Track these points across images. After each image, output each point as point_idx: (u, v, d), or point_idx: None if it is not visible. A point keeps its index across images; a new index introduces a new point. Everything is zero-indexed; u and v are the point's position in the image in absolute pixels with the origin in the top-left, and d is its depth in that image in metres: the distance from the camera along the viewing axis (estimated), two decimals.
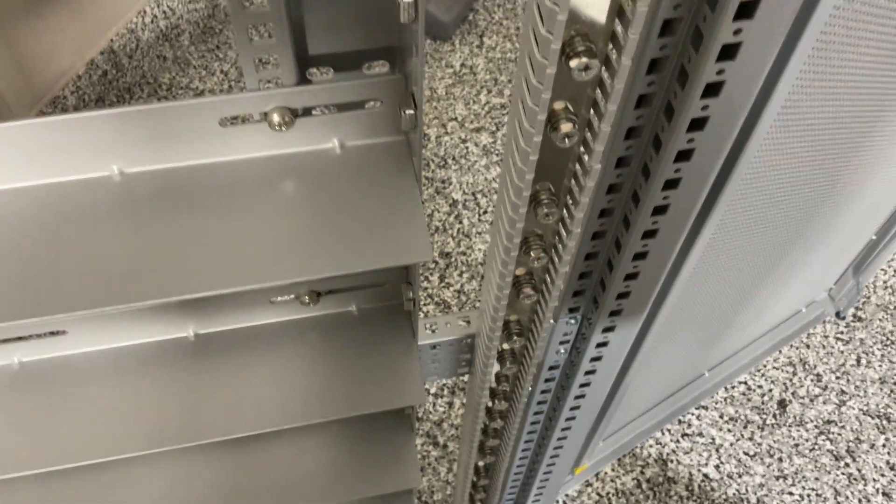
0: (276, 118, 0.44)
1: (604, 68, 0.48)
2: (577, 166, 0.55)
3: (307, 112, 0.45)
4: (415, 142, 0.46)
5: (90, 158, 0.44)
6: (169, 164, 0.46)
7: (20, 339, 0.58)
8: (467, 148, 1.76)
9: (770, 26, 0.44)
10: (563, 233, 0.60)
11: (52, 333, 0.57)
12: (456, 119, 1.81)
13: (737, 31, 0.43)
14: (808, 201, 0.96)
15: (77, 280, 0.43)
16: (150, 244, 0.44)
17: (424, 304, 1.53)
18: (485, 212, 1.68)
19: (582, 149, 0.53)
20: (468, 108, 1.81)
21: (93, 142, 0.43)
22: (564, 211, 0.59)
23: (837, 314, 1.42)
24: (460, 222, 1.68)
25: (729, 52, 0.45)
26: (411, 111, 0.43)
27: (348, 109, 0.46)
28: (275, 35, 0.41)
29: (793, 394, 1.42)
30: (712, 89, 0.48)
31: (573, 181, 0.56)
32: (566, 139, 0.50)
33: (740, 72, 0.46)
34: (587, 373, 0.85)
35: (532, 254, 0.62)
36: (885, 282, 1.55)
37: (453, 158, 1.74)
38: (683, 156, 0.53)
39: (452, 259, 1.61)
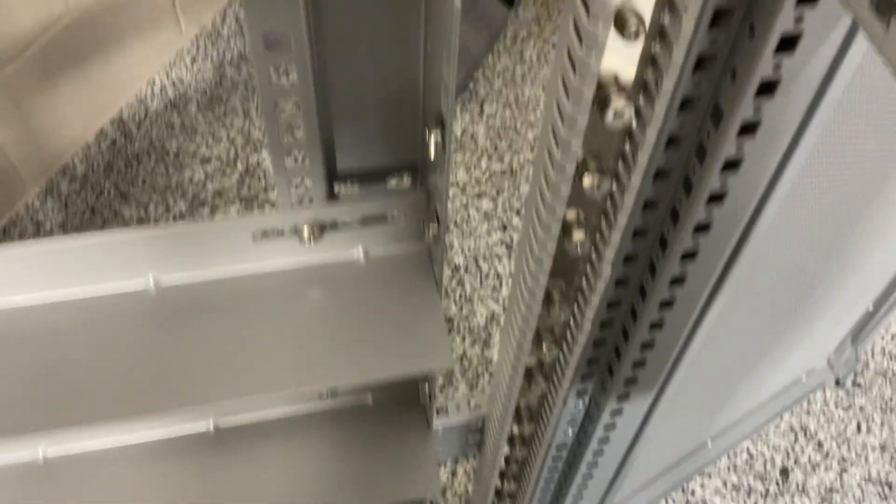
0: (306, 232, 0.46)
1: (615, 181, 0.50)
2: (588, 268, 0.57)
3: (335, 225, 0.47)
4: (437, 252, 0.48)
5: (127, 272, 0.46)
6: (202, 277, 0.47)
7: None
8: (469, 213, 1.79)
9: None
10: (574, 327, 0.62)
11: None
12: (457, 185, 1.84)
13: (757, 109, 0.46)
14: (810, 274, 0.99)
15: (110, 389, 0.45)
16: (182, 353, 0.46)
17: None
18: (486, 276, 1.70)
19: (593, 254, 0.55)
20: (469, 175, 1.84)
21: (130, 257, 0.45)
22: (575, 306, 0.61)
23: (837, 382, 1.43)
24: (462, 287, 1.69)
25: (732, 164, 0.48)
26: (435, 228, 0.45)
27: (373, 222, 0.48)
28: (308, 159, 0.44)
29: (795, 461, 1.42)
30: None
31: (584, 280, 0.58)
32: (578, 247, 0.53)
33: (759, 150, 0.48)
34: (595, 453, 0.86)
35: (543, 347, 0.63)
36: (883, 347, 1.56)
37: (455, 224, 1.77)
38: (688, 255, 0.55)
39: (455, 324, 1.63)
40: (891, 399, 1.50)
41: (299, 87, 0.40)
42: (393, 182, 0.49)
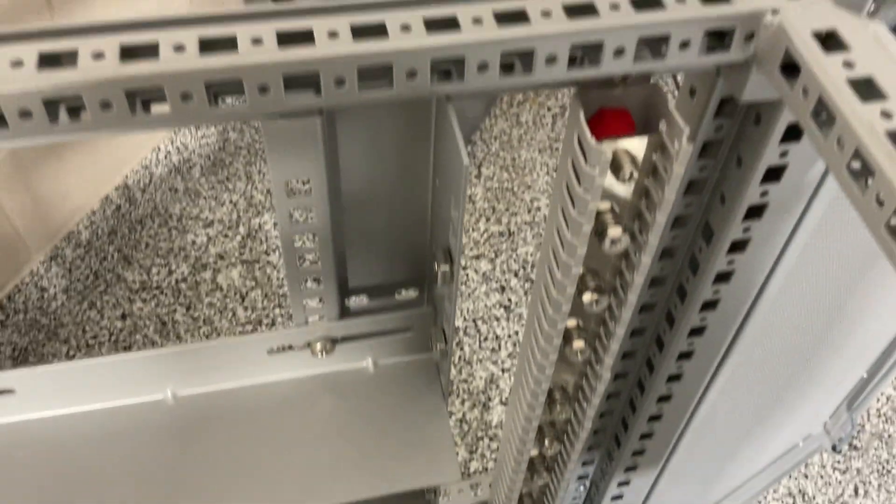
0: (318, 347, 0.48)
1: (612, 296, 0.53)
2: (589, 370, 0.59)
3: (346, 338, 0.49)
4: (444, 365, 0.50)
5: (147, 385, 0.48)
6: (218, 388, 0.50)
7: None
8: (467, 275, 1.81)
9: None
10: (575, 423, 0.63)
11: None
12: None
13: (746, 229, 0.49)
14: (806, 348, 1.01)
15: (128, 498, 0.46)
16: (197, 464, 0.47)
17: None
18: (485, 339, 1.71)
19: (592, 359, 0.57)
20: (468, 236, 1.86)
21: (151, 372, 0.47)
22: (576, 404, 0.63)
23: (833, 448, 1.44)
24: (461, 349, 1.71)
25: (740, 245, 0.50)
26: (442, 345, 0.47)
27: (382, 334, 0.50)
28: (322, 282, 0.46)
29: None
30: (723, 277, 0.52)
31: (584, 381, 0.60)
32: (578, 354, 0.55)
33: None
34: None
35: (546, 441, 0.65)
36: (878, 409, 1.58)
37: None
38: (684, 357, 0.58)
39: (454, 387, 1.64)
40: (887, 462, 1.51)
41: (317, 225, 0.43)
42: (402, 293, 0.51)
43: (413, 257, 0.49)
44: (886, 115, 0.34)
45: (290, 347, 0.49)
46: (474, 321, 1.74)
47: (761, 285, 0.60)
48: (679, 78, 1.71)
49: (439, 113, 0.41)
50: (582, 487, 0.80)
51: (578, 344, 0.54)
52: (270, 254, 1.68)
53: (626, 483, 0.77)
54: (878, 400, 1.60)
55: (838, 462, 1.50)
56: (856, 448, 1.52)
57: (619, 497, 0.79)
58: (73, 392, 0.46)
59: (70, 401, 0.47)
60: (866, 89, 0.35)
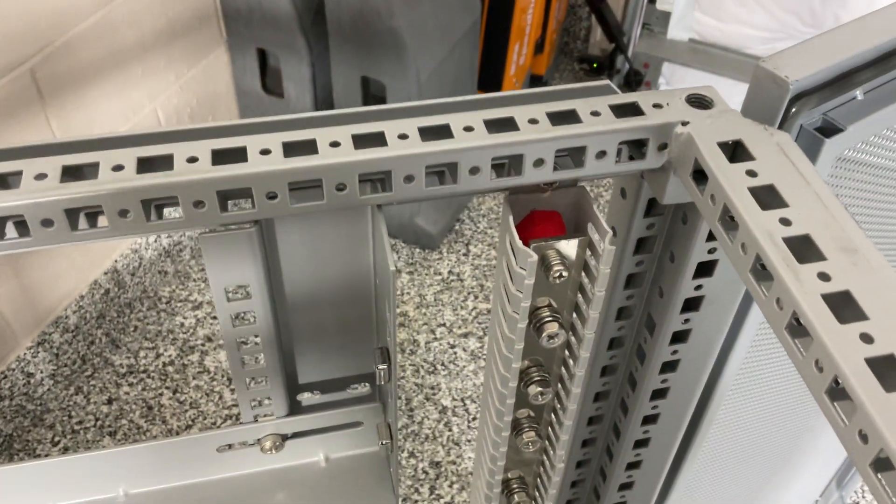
0: (267, 444, 0.49)
1: (560, 385, 0.54)
2: (545, 459, 0.59)
3: (296, 434, 0.50)
4: (392, 459, 0.51)
5: (99, 484, 0.49)
6: (169, 485, 0.50)
7: None
8: (455, 353, 1.81)
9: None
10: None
11: None
12: (444, 325, 1.87)
13: (686, 320, 0.50)
14: (791, 427, 1.00)
15: None
16: None
17: None
18: (473, 418, 1.71)
19: (548, 449, 0.58)
20: (456, 314, 1.88)
21: (103, 471, 0.48)
22: (536, 493, 0.63)
23: None
24: (450, 430, 1.70)
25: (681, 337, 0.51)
26: (387, 441, 0.48)
27: (333, 430, 0.51)
28: (269, 381, 0.47)
29: None
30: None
31: (542, 471, 0.61)
32: (530, 445, 0.55)
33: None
34: None
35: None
36: None
37: (442, 364, 1.79)
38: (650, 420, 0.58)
39: (442, 469, 1.62)
40: None
41: (259, 327, 0.45)
42: (354, 389, 0.53)
43: (362, 353, 0.51)
44: (785, 222, 0.36)
45: (241, 444, 0.50)
46: (462, 400, 1.73)
47: (720, 372, 0.61)
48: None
49: (374, 219, 0.43)
50: None
51: (529, 435, 0.55)
52: (257, 335, 1.69)
53: None
54: None
55: None
56: None
57: None
58: (24, 494, 0.47)
59: (20, 503, 0.47)
60: (767, 197, 0.37)
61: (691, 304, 0.51)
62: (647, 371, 0.55)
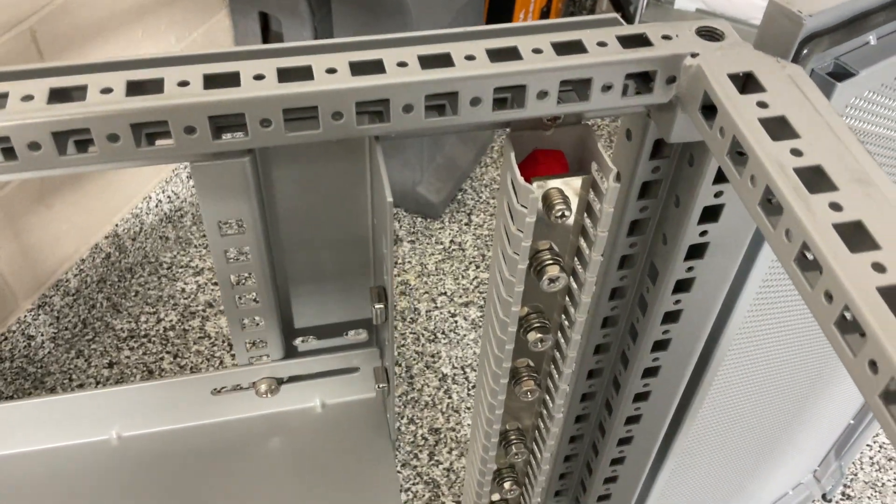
0: (262, 387, 0.48)
1: (560, 334, 0.53)
2: (544, 411, 0.59)
3: (292, 378, 0.50)
4: (388, 404, 0.50)
5: (92, 425, 0.48)
6: (163, 428, 0.50)
7: None
8: (456, 322, 1.81)
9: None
10: (533, 467, 0.63)
11: None
12: (445, 294, 1.87)
13: (689, 269, 0.49)
14: (792, 395, 1.00)
15: None
16: (144, 502, 0.47)
17: (413, 485, 1.53)
18: (473, 386, 1.70)
19: (546, 400, 0.57)
20: (457, 283, 1.87)
21: (95, 412, 0.47)
22: (534, 445, 0.62)
23: (823, 496, 1.42)
24: (450, 397, 1.69)
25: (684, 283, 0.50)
26: (384, 385, 0.47)
27: (329, 375, 0.50)
28: (264, 322, 0.46)
29: None
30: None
31: (540, 422, 0.60)
32: (529, 395, 0.55)
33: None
34: None
35: (505, 485, 0.65)
36: (871, 458, 1.56)
37: (443, 332, 1.79)
38: (650, 372, 0.58)
39: (442, 435, 1.62)
40: None
41: (253, 264, 0.44)
42: (350, 335, 0.52)
43: (360, 298, 0.50)
44: (796, 152, 0.35)
45: (235, 388, 0.49)
46: (462, 368, 1.73)
47: (722, 327, 0.60)
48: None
49: (371, 153, 0.42)
50: None
51: (528, 384, 0.54)
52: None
53: None
54: (871, 448, 1.57)
55: None
56: (849, 497, 1.50)
57: None
58: (16, 432, 0.46)
59: (13, 441, 0.47)
60: (778, 128, 0.36)
61: (695, 252, 0.50)
62: (649, 322, 0.54)
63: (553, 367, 0.55)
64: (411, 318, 1.74)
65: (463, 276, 1.83)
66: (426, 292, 1.79)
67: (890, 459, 1.56)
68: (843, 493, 1.48)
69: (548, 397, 0.57)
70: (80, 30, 1.39)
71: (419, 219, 1.91)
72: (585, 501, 0.72)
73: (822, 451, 1.35)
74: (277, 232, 0.44)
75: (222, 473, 0.49)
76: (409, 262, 1.84)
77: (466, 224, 1.92)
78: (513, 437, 0.61)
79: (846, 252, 0.31)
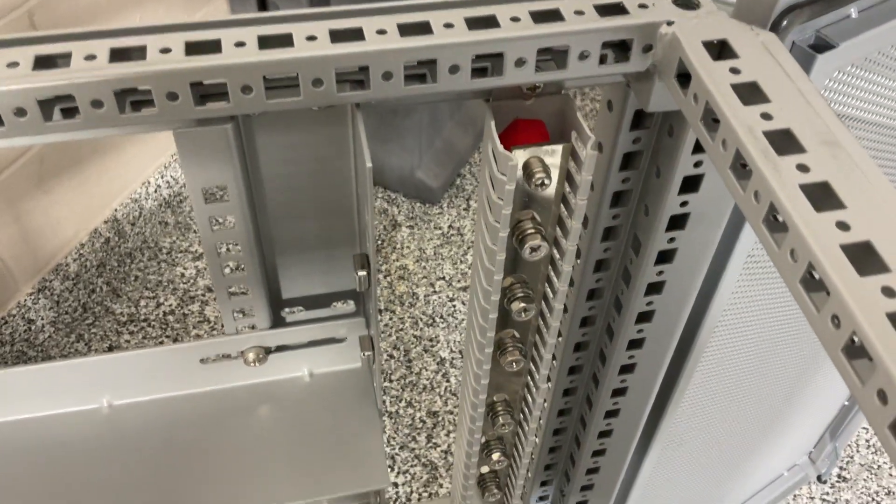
0: (251, 356, 0.49)
1: (544, 304, 0.54)
2: (529, 381, 0.59)
3: (280, 348, 0.50)
4: (375, 373, 0.51)
5: (83, 394, 0.49)
6: (152, 396, 0.51)
7: None
8: (454, 306, 1.81)
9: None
10: (521, 437, 0.64)
11: None
12: (444, 278, 1.88)
13: (671, 239, 0.50)
14: (784, 376, 1.00)
15: None
16: (134, 471, 0.48)
17: (411, 467, 1.54)
18: None
19: (532, 371, 0.58)
20: (455, 268, 1.88)
21: (86, 380, 0.48)
22: (521, 416, 0.63)
23: (819, 478, 1.43)
24: (447, 381, 1.70)
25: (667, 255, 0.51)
26: (369, 353, 0.48)
27: (317, 344, 0.51)
28: (251, 292, 0.47)
29: None
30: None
31: (526, 393, 0.61)
32: (514, 365, 0.56)
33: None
34: None
35: (494, 456, 0.66)
36: (867, 440, 1.56)
37: (441, 317, 1.80)
38: (635, 344, 0.58)
39: (440, 418, 1.63)
40: (876, 493, 1.49)
41: (239, 232, 0.44)
42: (338, 306, 0.53)
43: (346, 269, 0.51)
44: (766, 116, 0.35)
45: (224, 357, 0.50)
46: (460, 352, 1.74)
47: (708, 301, 0.61)
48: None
49: (353, 122, 0.43)
50: None
51: (514, 355, 0.55)
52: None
53: (585, 503, 0.76)
54: (867, 430, 1.58)
55: (826, 494, 1.49)
56: (845, 479, 1.51)
57: None
58: (7, 400, 0.47)
59: (4, 410, 0.48)
60: (749, 94, 0.37)
61: (677, 223, 0.51)
62: (633, 294, 0.55)
63: (538, 337, 0.56)
64: (409, 303, 1.75)
65: (461, 261, 1.84)
66: (425, 277, 1.80)
67: None
68: (838, 476, 1.48)
69: (533, 368, 0.58)
70: (78, 14, 1.40)
71: (418, 204, 1.91)
72: (574, 475, 0.73)
73: (816, 432, 1.36)
74: (262, 201, 0.45)
75: (212, 442, 0.50)
76: (408, 246, 1.85)
77: (465, 209, 1.92)
78: (500, 408, 0.61)
79: (811, 212, 0.32)
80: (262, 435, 0.50)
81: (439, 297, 1.80)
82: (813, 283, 0.32)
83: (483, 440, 0.64)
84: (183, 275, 1.71)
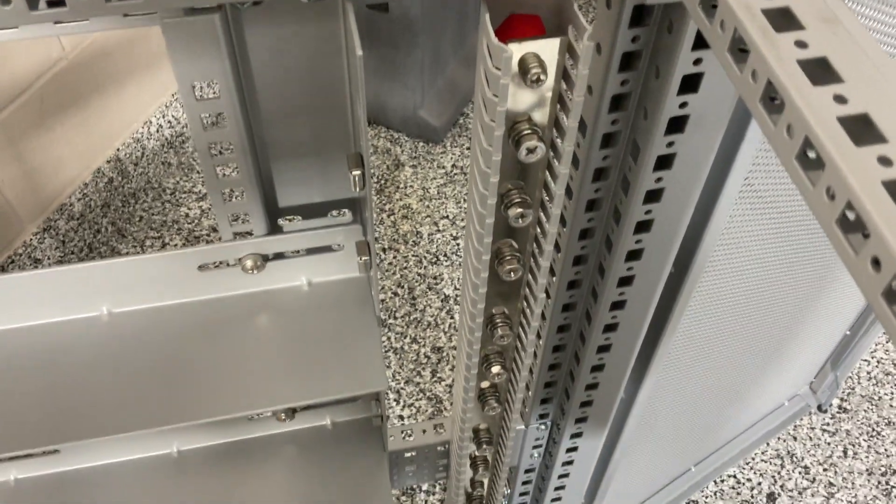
0: (248, 263, 0.49)
1: (542, 211, 0.53)
2: (527, 292, 0.60)
3: (278, 256, 0.50)
4: (373, 280, 0.51)
5: (82, 301, 0.49)
6: (152, 304, 0.51)
7: (16, 458, 0.62)
8: (458, 245, 1.82)
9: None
10: (520, 350, 0.64)
11: (46, 453, 0.61)
12: (447, 217, 1.87)
13: (670, 143, 0.49)
14: (785, 303, 1.01)
15: (72, 411, 0.48)
16: (135, 378, 0.49)
17: (416, 400, 1.56)
18: None
19: (530, 282, 0.58)
20: (459, 207, 1.87)
21: (85, 287, 0.48)
22: (520, 329, 0.64)
23: (819, 407, 1.44)
24: (451, 318, 1.72)
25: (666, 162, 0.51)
26: (366, 258, 0.48)
27: (315, 253, 0.51)
28: (246, 196, 0.47)
29: (781, 486, 1.43)
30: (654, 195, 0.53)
31: (525, 305, 0.61)
32: (512, 274, 0.56)
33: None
34: (561, 476, 0.88)
35: (493, 369, 0.66)
36: (868, 372, 1.57)
37: (445, 255, 1.80)
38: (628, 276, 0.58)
39: (444, 354, 1.65)
40: (877, 424, 1.50)
41: (231, 132, 0.44)
42: (335, 214, 0.52)
43: (342, 177, 0.50)
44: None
45: (222, 264, 0.50)
46: None
47: (708, 216, 0.60)
48: None
49: (344, 14, 0.42)
50: (543, 426, 0.81)
51: (511, 263, 0.55)
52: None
53: (584, 419, 0.77)
54: (869, 363, 1.59)
55: (827, 424, 1.50)
56: (845, 410, 1.52)
57: (578, 434, 0.80)
58: (7, 307, 0.48)
59: (4, 317, 0.48)
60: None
61: (676, 126, 0.50)
62: (631, 202, 0.55)
63: (536, 247, 0.55)
64: (413, 241, 1.75)
65: (465, 200, 1.83)
66: (428, 216, 1.80)
67: (888, 374, 1.58)
68: (839, 406, 1.50)
69: (531, 279, 0.58)
70: None
71: (421, 143, 1.90)
72: (574, 391, 0.73)
73: (818, 362, 1.37)
74: (254, 100, 0.45)
75: (212, 349, 0.50)
76: (411, 186, 1.84)
77: (468, 148, 1.91)
78: (499, 321, 0.62)
79: (808, 86, 0.31)
80: (262, 341, 0.51)
81: (443, 236, 1.80)
82: (809, 162, 0.32)
83: (483, 354, 0.65)
84: (187, 215, 1.72)
